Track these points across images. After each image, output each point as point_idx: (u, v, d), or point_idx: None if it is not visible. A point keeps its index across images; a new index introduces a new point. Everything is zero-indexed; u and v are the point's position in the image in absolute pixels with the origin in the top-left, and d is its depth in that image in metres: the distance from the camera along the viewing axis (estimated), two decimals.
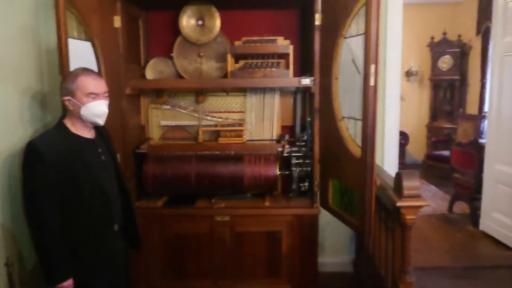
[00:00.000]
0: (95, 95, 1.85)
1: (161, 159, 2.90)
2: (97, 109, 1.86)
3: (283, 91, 3.10)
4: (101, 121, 1.91)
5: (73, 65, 1.99)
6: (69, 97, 1.83)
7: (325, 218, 2.88)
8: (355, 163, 2.30)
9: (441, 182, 5.99)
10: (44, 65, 2.41)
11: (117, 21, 2.63)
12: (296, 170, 2.83)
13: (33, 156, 1.74)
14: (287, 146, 2.92)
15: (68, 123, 1.88)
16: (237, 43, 2.94)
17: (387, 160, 3.33)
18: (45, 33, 2.42)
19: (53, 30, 2.34)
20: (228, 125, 3.04)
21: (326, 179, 2.68)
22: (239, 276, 2.81)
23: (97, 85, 1.86)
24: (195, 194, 2.97)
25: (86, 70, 1.87)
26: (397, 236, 2.25)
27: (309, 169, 2.83)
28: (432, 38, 7.01)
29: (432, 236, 4.06)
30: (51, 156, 1.74)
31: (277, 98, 3.08)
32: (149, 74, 3.02)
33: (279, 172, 2.85)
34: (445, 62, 6.94)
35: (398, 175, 2.18)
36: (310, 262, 2.81)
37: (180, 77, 3.07)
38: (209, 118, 3.11)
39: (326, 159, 2.68)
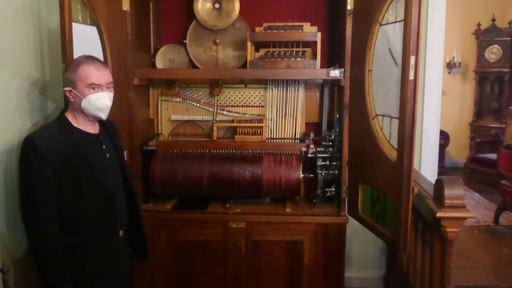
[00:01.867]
0: (97, 87, 1.85)
1: (171, 157, 2.91)
2: (99, 102, 1.87)
3: (308, 84, 3.07)
4: (103, 115, 1.92)
5: (76, 52, 2.01)
6: (70, 88, 1.85)
7: (353, 227, 2.85)
8: (390, 167, 2.26)
9: (485, 189, 5.88)
10: (45, 50, 2.43)
11: (126, 4, 2.63)
12: (321, 173, 2.81)
13: (30, 152, 1.76)
14: (311, 146, 2.89)
15: (70, 116, 1.90)
16: (257, 29, 2.92)
17: (425, 163, 3.28)
18: (46, 14, 2.44)
19: (55, 12, 2.37)
20: (246, 121, 3.03)
21: (355, 184, 2.65)
22: None
23: (100, 75, 1.87)
24: (208, 197, 2.97)
25: (89, 58, 1.88)
26: (436, 250, 2.21)
27: (336, 172, 2.80)
28: (479, 25, 6.86)
29: (474, 251, 3.98)
30: (50, 153, 1.76)
31: (301, 91, 3.06)
32: (159, 62, 3.03)
33: (303, 175, 2.83)
34: (493, 53, 6.79)
35: (439, 182, 2.13)
36: (336, 276, 2.78)
37: (194, 66, 3.08)
38: (224, 112, 3.10)
39: (356, 161, 2.65)
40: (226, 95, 3.11)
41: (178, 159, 2.89)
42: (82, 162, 1.83)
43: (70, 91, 1.85)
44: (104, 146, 1.97)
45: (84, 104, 1.85)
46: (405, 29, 2.07)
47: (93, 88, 1.84)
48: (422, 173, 3.11)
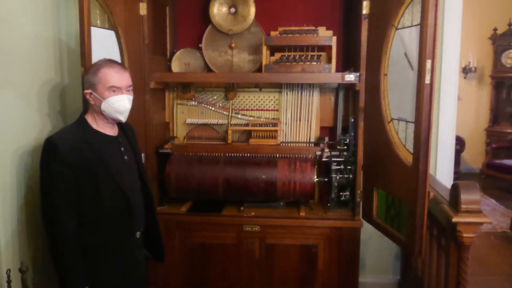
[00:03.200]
0: (117, 89, 1.89)
1: (186, 160, 2.93)
2: (119, 105, 1.90)
3: (323, 88, 3.08)
4: (122, 118, 1.95)
5: (95, 56, 2.05)
6: (90, 90, 1.88)
7: (367, 231, 2.85)
8: (405, 172, 2.26)
9: (502, 195, 5.81)
10: (64, 54, 2.48)
11: (143, 8, 2.67)
12: (336, 177, 2.80)
13: (51, 153, 1.79)
14: (326, 150, 2.90)
15: (89, 118, 1.94)
16: (273, 33, 2.94)
17: (441, 169, 3.26)
18: (65, 18, 2.48)
19: (74, 16, 2.42)
20: (261, 125, 3.04)
21: (370, 189, 2.65)
22: None
23: (120, 78, 1.90)
24: (223, 201, 2.99)
25: (109, 62, 1.91)
26: (452, 256, 2.19)
27: (351, 176, 2.79)
28: (495, 29, 6.80)
29: (490, 258, 3.94)
30: (70, 154, 1.79)
31: (316, 95, 3.06)
32: (175, 66, 3.06)
33: (317, 179, 2.83)
34: (510, 57, 6.72)
35: (455, 187, 2.12)
36: (349, 281, 2.77)
37: (209, 70, 3.10)
38: (239, 116, 3.13)
39: (370, 165, 2.65)
40: (241, 99, 3.13)
41: (193, 162, 2.92)
42: (100, 163, 1.86)
43: (90, 93, 1.89)
44: (122, 149, 2.00)
45: (104, 106, 1.88)
46: (421, 33, 2.07)
47: (113, 91, 1.88)
48: (438, 178, 3.09)
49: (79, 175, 1.81)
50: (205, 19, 3.08)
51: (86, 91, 1.89)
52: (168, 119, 3.18)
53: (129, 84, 1.94)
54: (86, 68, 1.96)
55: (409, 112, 2.23)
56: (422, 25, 2.06)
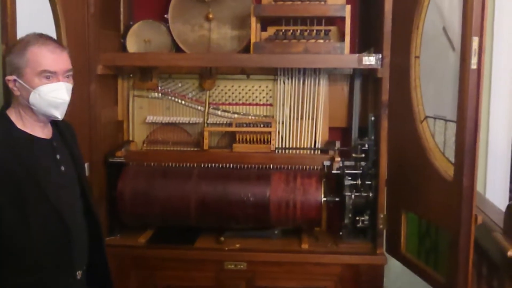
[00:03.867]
0: (51, 75, 1.87)
1: (146, 173, 2.93)
2: (53, 96, 1.88)
3: (333, 75, 3.10)
4: (58, 114, 1.93)
5: (21, 30, 2.03)
6: (14, 77, 1.86)
7: (394, 269, 2.85)
8: (444, 188, 2.27)
9: None
10: None
11: None
12: (350, 196, 2.81)
13: None
14: (337, 159, 2.90)
15: (13, 115, 1.90)
16: (265, 0, 2.95)
17: (491, 184, 3.28)
18: None
19: None
20: (249, 125, 3.05)
21: (397, 211, 2.66)
22: None
23: (56, 59, 1.88)
24: (196, 228, 2.98)
25: (41, 38, 1.90)
26: None
27: (370, 195, 2.80)
28: None
29: None
30: None
31: (323, 85, 3.08)
32: (132, 44, 3.06)
33: (325, 199, 2.83)
34: None
35: (511, 209, 2.14)
36: None
37: (178, 50, 3.10)
38: (219, 113, 3.13)
39: (397, 180, 2.66)
40: (222, 90, 3.14)
41: (156, 175, 2.91)
42: (28, 176, 1.83)
43: (14, 80, 1.86)
44: (58, 156, 1.97)
45: (34, 98, 1.86)
46: (465, 0, 2.09)
47: (47, 78, 1.86)
48: (488, 197, 3.11)
49: None
50: None
51: (9, 77, 1.86)
52: (121, 117, 3.17)
53: (67, 68, 1.93)
54: (9, 46, 1.94)
55: (449, 108, 2.25)
56: None
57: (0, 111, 1.94)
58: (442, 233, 2.33)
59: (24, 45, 1.86)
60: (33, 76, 1.85)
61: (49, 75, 1.87)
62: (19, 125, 1.90)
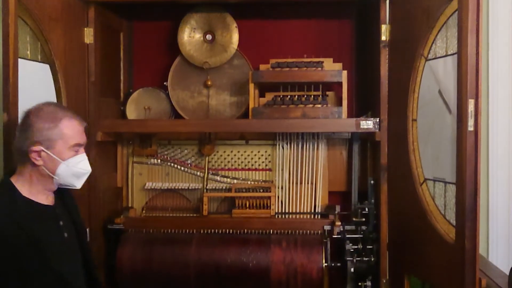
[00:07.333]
0: (79, 148, 1.92)
1: (145, 240, 2.90)
2: (81, 167, 1.93)
3: (331, 140, 3.11)
4: (79, 184, 1.98)
5: (22, 98, 2.05)
6: (42, 148, 1.84)
7: None
8: (446, 251, 2.24)
9: None
10: None
11: (89, 35, 2.74)
12: (352, 261, 2.78)
13: None
14: (338, 223, 2.88)
15: (18, 182, 1.88)
16: (263, 67, 3.00)
17: (494, 246, 3.24)
18: None
19: None
20: (248, 190, 3.05)
21: (400, 276, 2.62)
22: None
23: (82, 132, 1.95)
24: None
25: (64, 110, 1.96)
26: None
27: (372, 259, 2.78)
28: None
29: None
30: None
31: (322, 149, 3.09)
32: (131, 111, 3.10)
33: (326, 264, 2.80)
34: None
35: None
36: None
37: (177, 116, 3.14)
38: (218, 178, 3.13)
39: (399, 244, 2.64)
40: (221, 155, 3.15)
41: (155, 243, 2.89)
42: (31, 244, 1.80)
43: (40, 151, 1.84)
44: (61, 223, 1.96)
45: (62, 169, 1.88)
46: (459, 64, 2.11)
47: (75, 150, 1.91)
48: (491, 260, 3.08)
49: (1, 262, 1.75)
50: (172, 48, 3.15)
51: (34, 148, 1.83)
52: (120, 183, 3.17)
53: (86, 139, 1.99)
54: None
55: (448, 170, 2.25)
56: (461, 54, 2.11)
57: (4, 178, 1.93)
58: None
59: (54, 117, 1.87)
60: (64, 149, 1.88)
61: (77, 148, 1.90)
62: (24, 192, 1.88)
